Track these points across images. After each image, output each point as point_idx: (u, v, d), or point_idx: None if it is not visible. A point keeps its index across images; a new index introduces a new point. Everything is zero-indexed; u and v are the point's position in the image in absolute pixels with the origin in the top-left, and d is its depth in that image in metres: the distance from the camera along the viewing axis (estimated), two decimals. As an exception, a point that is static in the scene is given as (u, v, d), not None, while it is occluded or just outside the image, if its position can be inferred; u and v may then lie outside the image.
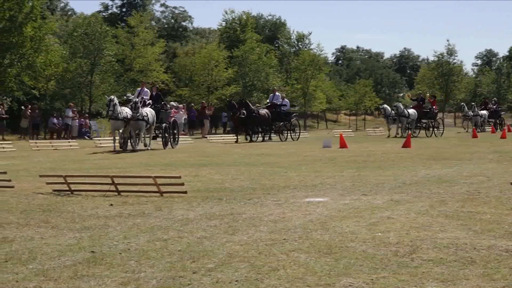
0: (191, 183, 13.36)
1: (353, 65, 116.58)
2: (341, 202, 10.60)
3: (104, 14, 73.77)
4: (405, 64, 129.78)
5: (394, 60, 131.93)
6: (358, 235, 7.77)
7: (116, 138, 27.66)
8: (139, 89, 30.19)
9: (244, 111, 34.97)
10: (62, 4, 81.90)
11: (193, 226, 8.53)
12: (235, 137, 35.57)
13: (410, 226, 8.29)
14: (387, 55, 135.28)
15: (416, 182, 13.31)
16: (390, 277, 5.90)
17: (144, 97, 28.76)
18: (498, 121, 54.18)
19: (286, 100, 39.12)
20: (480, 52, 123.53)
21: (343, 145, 27.08)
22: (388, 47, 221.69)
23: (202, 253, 6.92)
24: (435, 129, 42.37)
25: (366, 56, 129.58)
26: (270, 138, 37.18)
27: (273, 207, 10.12)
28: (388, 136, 39.93)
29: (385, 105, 47.14)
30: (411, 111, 41.70)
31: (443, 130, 44.10)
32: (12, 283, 5.87)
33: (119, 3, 79.84)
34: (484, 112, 52.13)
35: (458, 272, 6.04)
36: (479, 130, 48.96)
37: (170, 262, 6.56)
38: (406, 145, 26.69)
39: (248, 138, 36.01)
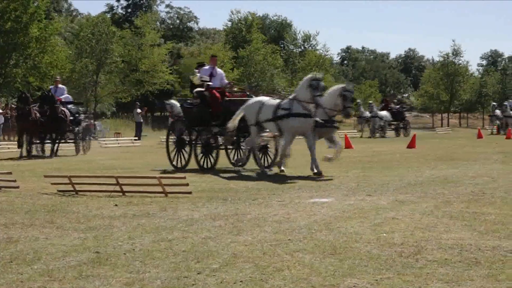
0: (196, 184, 13.37)
1: (358, 66, 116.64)
2: (345, 202, 10.59)
3: (108, 14, 73.85)
4: (410, 64, 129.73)
5: (399, 60, 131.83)
6: (362, 235, 7.76)
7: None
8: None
9: (47, 110, 24.27)
10: (67, 5, 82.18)
11: (197, 227, 8.52)
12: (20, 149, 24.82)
13: (414, 226, 8.28)
14: (392, 56, 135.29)
15: (421, 183, 13.30)
16: (394, 278, 5.89)
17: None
18: (402, 124, 47.08)
19: (68, 96, 28.04)
20: (485, 53, 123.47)
21: (348, 145, 27.08)
22: (394, 48, 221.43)
23: (206, 254, 6.92)
24: None
25: (372, 57, 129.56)
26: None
27: (278, 208, 10.11)
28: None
29: (172, 101, 28.27)
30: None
31: None
32: (17, 283, 5.87)
33: (125, 3, 79.96)
34: (385, 113, 45.20)
35: (463, 273, 6.02)
36: (377, 135, 43.18)
37: (174, 263, 6.55)
38: (412, 145, 26.72)
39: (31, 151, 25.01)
